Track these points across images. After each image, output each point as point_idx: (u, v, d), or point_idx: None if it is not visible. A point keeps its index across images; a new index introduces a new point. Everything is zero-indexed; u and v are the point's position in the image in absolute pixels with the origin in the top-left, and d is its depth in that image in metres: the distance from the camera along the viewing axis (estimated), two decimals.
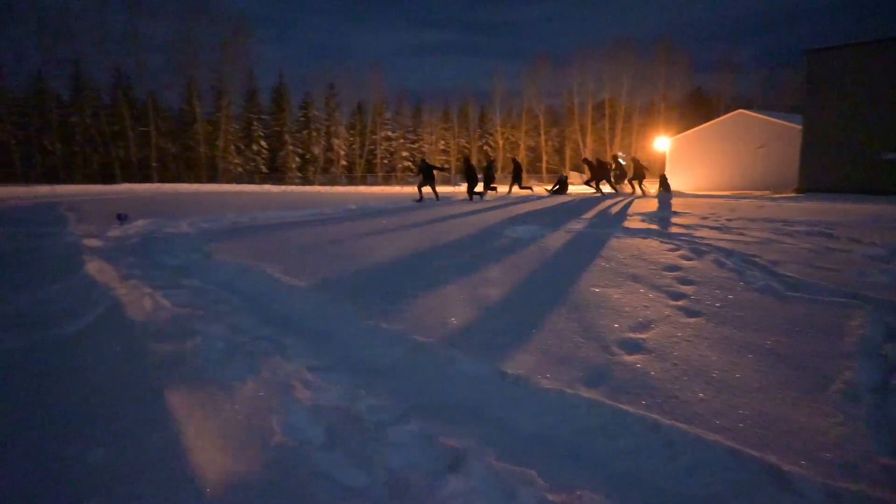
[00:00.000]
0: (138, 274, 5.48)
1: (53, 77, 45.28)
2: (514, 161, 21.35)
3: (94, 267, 5.42)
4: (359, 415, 2.29)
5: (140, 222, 9.97)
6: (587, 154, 52.32)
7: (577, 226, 8.48)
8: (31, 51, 43.65)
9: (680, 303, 3.91)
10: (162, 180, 44.48)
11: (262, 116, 55.73)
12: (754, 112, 32.52)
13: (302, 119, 57.72)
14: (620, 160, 22.38)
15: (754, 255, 5.32)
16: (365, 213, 13.03)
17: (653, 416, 2.18)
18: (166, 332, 3.31)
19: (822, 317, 3.48)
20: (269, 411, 2.29)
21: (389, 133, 61.89)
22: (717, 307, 3.75)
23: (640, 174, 21.84)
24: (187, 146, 50.35)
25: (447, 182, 48.90)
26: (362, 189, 38.33)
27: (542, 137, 61.91)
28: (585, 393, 2.42)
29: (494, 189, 19.20)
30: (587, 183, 21.24)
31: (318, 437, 2.15)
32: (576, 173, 63.09)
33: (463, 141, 64.81)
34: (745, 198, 18.58)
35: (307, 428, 2.20)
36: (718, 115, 35.27)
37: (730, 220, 8.85)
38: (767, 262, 5.01)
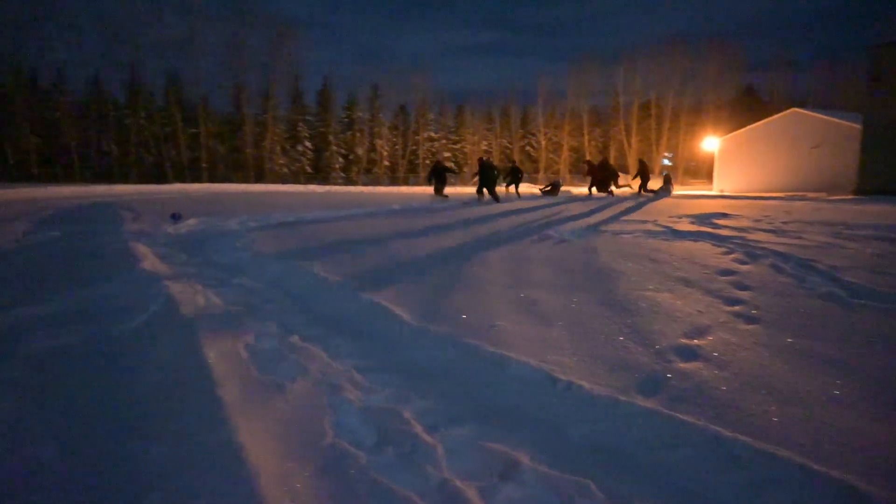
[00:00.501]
0: (191, 271, 5.62)
1: (111, 81, 47.20)
2: (513, 165, 21.25)
3: (148, 264, 5.58)
4: (409, 417, 2.27)
5: (191, 221, 10.25)
6: (636, 154, 51.39)
7: (622, 227, 8.32)
8: (92, 56, 45.61)
9: (736, 309, 3.77)
10: (211, 180, 45.75)
11: (308, 118, 56.73)
12: (809, 111, 31.33)
13: (346, 120, 58.51)
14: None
15: (814, 260, 5.11)
16: (407, 214, 13.10)
17: (714, 427, 2.09)
18: (219, 330, 3.36)
19: (894, 327, 3.29)
20: (320, 411, 2.29)
21: (432, 134, 62.16)
22: (778, 314, 3.60)
23: (644, 176, 21.51)
24: (235, 147, 51.68)
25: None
26: (405, 189, 38.58)
27: (586, 138, 61.08)
28: (641, 401, 2.34)
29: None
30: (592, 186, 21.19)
31: (369, 439, 2.14)
32: (620, 174, 62.22)
33: (505, 142, 64.57)
34: (798, 199, 17.92)
35: (358, 429, 2.20)
36: (770, 115, 34.07)
37: (785, 222, 8.55)
38: (829, 268, 4.79)
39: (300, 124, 55.41)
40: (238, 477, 1.72)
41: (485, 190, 17.45)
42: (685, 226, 8.22)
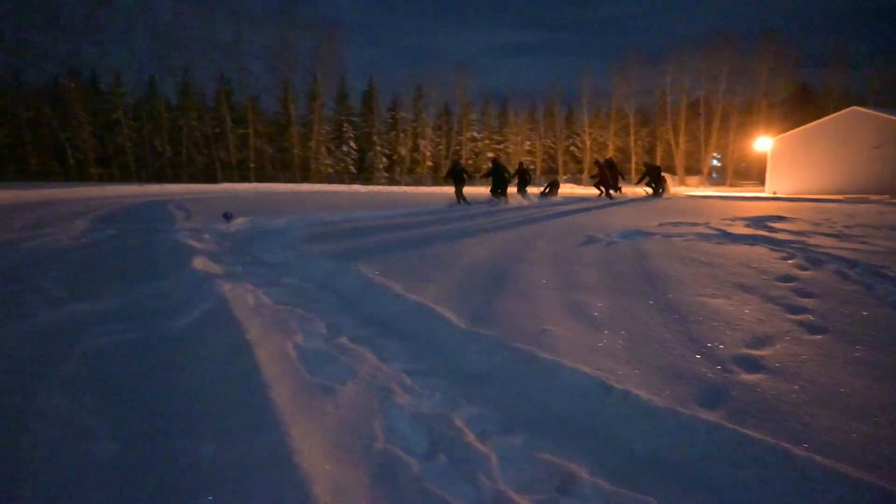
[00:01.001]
0: (240, 271, 5.70)
1: (165, 83, 48.82)
2: (521, 167, 20.28)
3: (200, 263, 5.69)
4: (460, 424, 2.22)
5: (240, 220, 10.46)
6: (683, 154, 50.14)
7: (672, 229, 8.09)
8: (147, 59, 47.29)
9: (800, 317, 3.59)
10: (258, 180, 46.78)
11: (352, 118, 57.41)
12: (869, 109, 29.92)
13: (390, 120, 58.97)
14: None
15: (884, 267, 4.84)
16: (451, 214, 13.07)
17: (784, 444, 1.97)
18: (269, 330, 3.39)
19: None
20: (371, 415, 2.26)
21: (475, 134, 62.06)
22: (846, 324, 3.41)
23: (653, 177, 21.01)
24: (282, 147, 52.76)
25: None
26: (447, 189, 38.62)
27: (632, 137, 59.94)
28: (703, 414, 2.23)
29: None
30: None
31: (420, 446, 2.10)
32: (666, 174, 60.81)
33: (549, 142, 63.94)
34: (860, 202, 17.15)
35: (409, 435, 2.16)
36: (827, 113, 32.72)
37: (848, 226, 8.16)
38: None
39: (345, 125, 56.11)
40: (291, 481, 1.70)
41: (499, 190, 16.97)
42: (739, 229, 7.92)
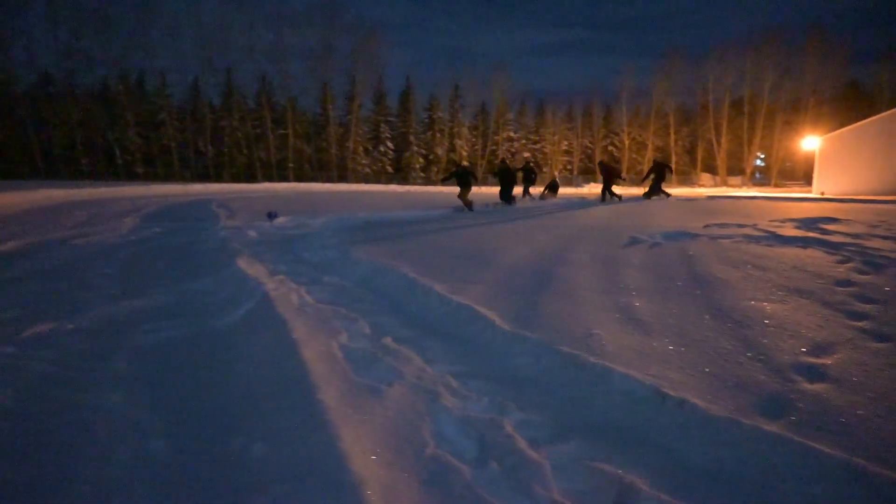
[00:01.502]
0: (283, 269, 5.76)
1: (208, 85, 50.01)
2: (527, 166, 19.48)
3: (243, 261, 5.77)
4: (510, 430, 2.17)
5: (281, 219, 10.60)
6: (725, 154, 48.87)
7: (718, 231, 7.85)
8: (191, 61, 48.55)
9: (862, 324, 3.42)
10: (297, 180, 47.48)
11: (390, 119, 57.73)
12: None
13: (427, 120, 59.10)
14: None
15: None
16: (487, 214, 13.00)
17: (857, 460, 1.86)
18: (313, 329, 3.39)
19: None
20: (420, 419, 2.23)
21: (511, 134, 61.72)
22: None
23: (660, 176, 19.48)
24: (320, 147, 53.43)
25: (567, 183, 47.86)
26: (484, 189, 38.50)
27: (672, 137, 58.75)
28: (766, 425, 2.13)
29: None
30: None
31: (469, 451, 2.05)
32: (707, 174, 59.51)
33: (587, 141, 63.17)
34: None
35: (458, 440, 2.12)
36: (879, 111, 31.39)
37: None
38: None
39: (382, 125, 56.48)
40: (343, 485, 1.68)
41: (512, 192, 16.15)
42: (790, 231, 7.64)
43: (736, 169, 57.84)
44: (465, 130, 59.55)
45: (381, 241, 7.45)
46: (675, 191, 41.31)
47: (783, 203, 17.10)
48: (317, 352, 2.93)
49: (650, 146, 59.46)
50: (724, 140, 56.11)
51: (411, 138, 56.87)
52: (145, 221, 11.51)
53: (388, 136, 56.82)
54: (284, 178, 48.18)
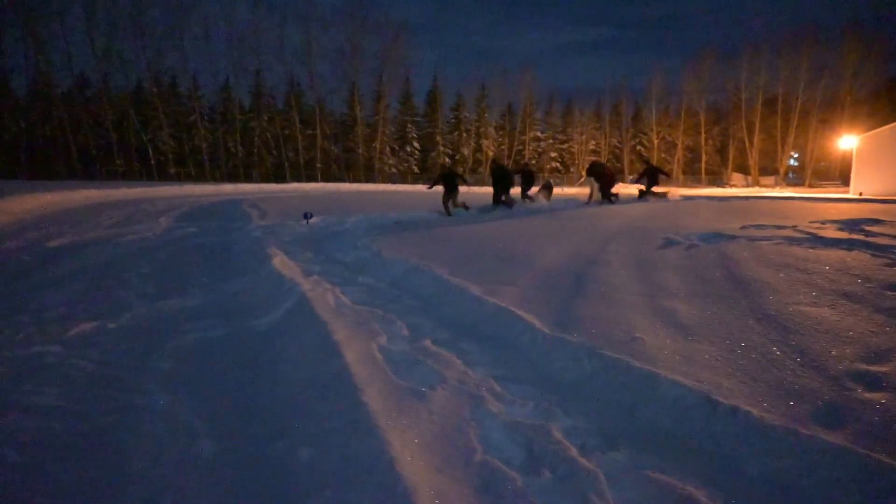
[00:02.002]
0: (317, 269, 5.79)
1: (238, 86, 50.81)
2: (525, 168, 18.29)
3: (278, 261, 5.81)
4: (559, 436, 2.12)
5: (313, 220, 10.67)
6: (757, 154, 47.81)
7: (756, 232, 7.68)
8: (222, 63, 49.39)
9: None
10: (324, 180, 47.91)
11: (416, 119, 57.92)
12: None
13: (453, 120, 59.13)
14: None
15: None
16: (516, 214, 12.93)
17: None
18: (351, 330, 3.39)
19: None
20: (465, 424, 2.20)
21: (538, 133, 61.43)
22: None
23: (653, 178, 18.97)
24: (348, 148, 53.84)
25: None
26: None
27: (703, 136, 57.77)
28: (826, 435, 2.05)
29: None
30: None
31: (518, 457, 2.02)
32: (739, 174, 58.35)
33: (615, 141, 62.50)
34: None
35: (506, 446, 2.08)
36: None
37: None
38: None
39: (409, 125, 56.69)
40: (395, 491, 1.66)
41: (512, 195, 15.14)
42: (832, 232, 7.43)
43: (769, 169, 56.64)
44: (491, 130, 59.41)
45: (412, 241, 7.44)
46: (706, 191, 40.64)
47: (820, 204, 16.68)
48: (357, 353, 2.92)
49: (680, 146, 58.60)
50: (756, 139, 54.94)
51: (438, 138, 56.96)
52: (180, 221, 11.71)
53: (415, 136, 57.00)
54: (313, 179, 48.66)
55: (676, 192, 24.05)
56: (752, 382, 2.59)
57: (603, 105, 62.82)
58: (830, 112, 51.30)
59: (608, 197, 16.92)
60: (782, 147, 54.54)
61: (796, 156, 57.38)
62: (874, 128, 32.28)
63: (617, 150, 62.58)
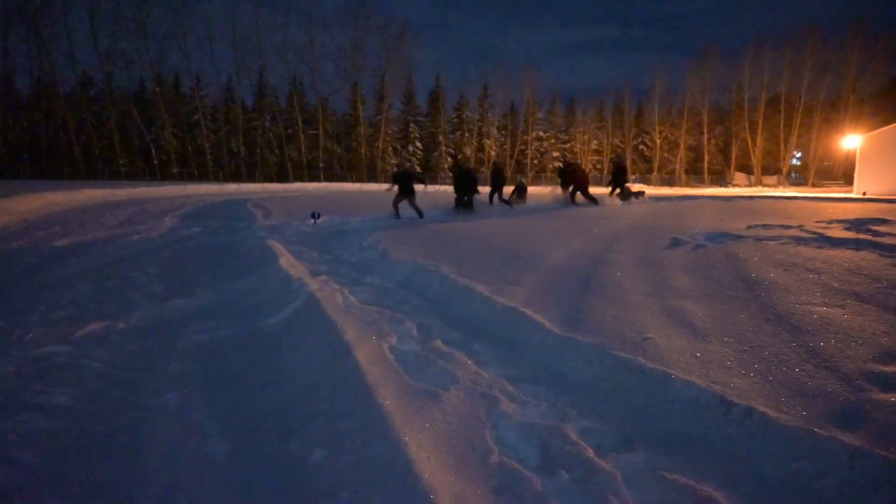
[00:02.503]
0: (324, 269, 5.79)
1: (241, 86, 50.88)
2: (496, 168, 16.91)
3: (285, 261, 5.80)
4: (574, 437, 2.11)
5: (320, 219, 10.67)
6: (760, 153, 47.67)
7: (763, 232, 7.66)
8: (225, 63, 49.45)
9: None
10: (328, 180, 47.91)
11: (419, 118, 57.88)
12: None
13: (455, 120, 59.07)
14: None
15: None
16: (520, 213, 12.93)
17: None
18: (361, 331, 3.38)
19: None
20: (480, 424, 2.19)
21: (541, 133, 61.32)
22: None
23: (621, 180, 17.81)
24: (350, 147, 53.84)
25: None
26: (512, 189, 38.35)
27: (706, 136, 57.65)
28: (843, 436, 2.04)
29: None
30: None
31: (534, 458, 2.01)
32: (742, 174, 58.23)
33: (617, 140, 62.39)
34: None
35: (521, 447, 2.07)
36: None
37: None
38: None
39: (411, 125, 56.66)
40: (413, 493, 1.65)
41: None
42: (839, 232, 7.41)
43: (772, 168, 56.53)
44: (493, 130, 59.34)
45: (417, 240, 7.43)
46: (709, 191, 40.57)
47: (825, 203, 16.65)
48: (368, 354, 2.91)
49: (682, 145, 58.49)
50: (759, 138, 54.83)
51: (440, 138, 56.91)
52: (184, 221, 11.72)
53: (417, 135, 56.97)
54: (315, 178, 48.65)
55: (643, 188, 23.29)
56: (766, 383, 2.58)
57: (605, 104, 62.72)
58: (834, 111, 51.18)
59: (588, 197, 16.09)
60: (785, 146, 54.43)
61: (799, 155, 57.25)
62: (878, 127, 32.19)
63: (619, 150, 62.45)
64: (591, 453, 2.00)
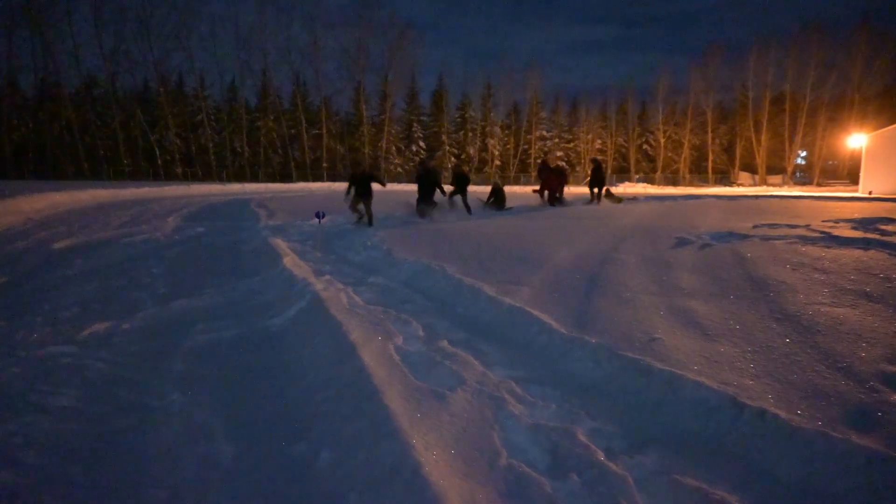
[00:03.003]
0: (328, 269, 5.76)
1: (245, 86, 50.92)
2: (458, 170, 15.21)
3: (289, 261, 5.79)
4: (584, 439, 2.08)
5: (325, 219, 10.63)
6: (765, 152, 47.42)
7: (769, 231, 7.61)
8: (229, 63, 49.51)
9: None
10: (331, 179, 47.92)
11: (422, 118, 57.84)
12: None
13: (459, 120, 59.01)
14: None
15: None
16: (524, 213, 12.88)
17: None
18: (367, 331, 3.35)
19: None
20: (488, 426, 2.16)
21: (544, 132, 61.20)
22: None
23: (599, 180, 16.72)
24: (353, 147, 53.82)
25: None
26: (516, 189, 38.26)
27: (710, 135, 57.42)
28: (858, 439, 2.00)
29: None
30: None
31: (543, 461, 1.98)
32: (746, 173, 57.99)
33: (621, 140, 62.24)
34: None
35: (530, 449, 2.05)
36: None
37: None
38: None
39: (415, 124, 56.62)
40: (423, 497, 1.62)
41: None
42: (846, 231, 7.36)
43: (776, 167, 56.29)
44: (497, 129, 59.25)
45: (421, 239, 7.40)
46: (713, 190, 40.43)
47: (830, 203, 16.56)
48: (374, 354, 2.89)
49: (687, 145, 58.25)
50: (764, 138, 54.59)
51: (443, 137, 56.84)
52: (188, 221, 11.71)
53: (421, 135, 56.92)
54: (319, 178, 48.66)
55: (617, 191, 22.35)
56: (778, 384, 2.54)
57: (609, 104, 62.51)
58: (839, 110, 50.90)
59: (552, 199, 15.41)
60: (790, 146, 54.17)
61: (804, 154, 56.97)
62: (883, 126, 32.03)
63: (623, 150, 62.30)
64: (601, 456, 1.97)
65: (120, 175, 44.18)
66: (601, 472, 1.87)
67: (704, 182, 57.08)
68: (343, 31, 51.70)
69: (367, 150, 52.08)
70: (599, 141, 62.07)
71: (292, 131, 51.68)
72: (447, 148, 56.60)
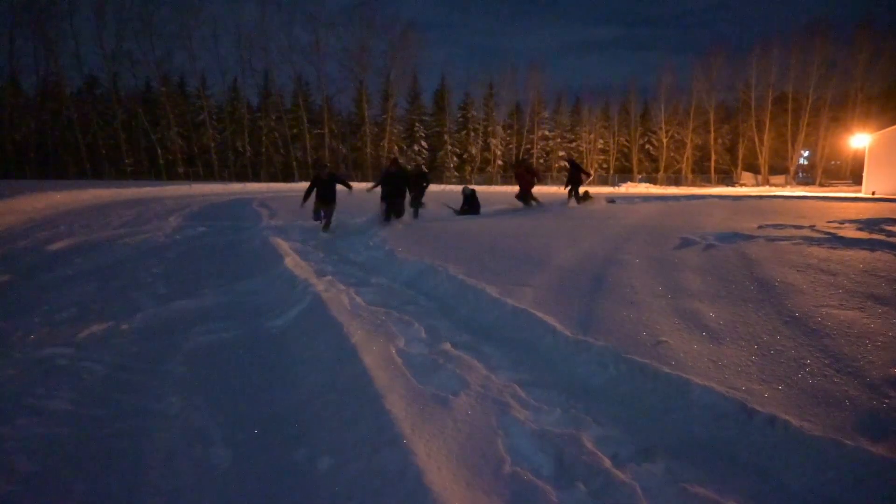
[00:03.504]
0: (329, 269, 5.72)
1: (246, 86, 50.94)
2: (418, 170, 14.54)
3: (290, 261, 5.75)
4: (590, 446, 2.03)
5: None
6: (768, 152, 47.34)
7: (773, 232, 7.55)
8: (230, 63, 49.54)
9: None
10: None
11: (424, 118, 57.77)
12: None
13: (461, 119, 58.93)
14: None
15: None
16: (525, 213, 12.83)
17: None
18: (368, 333, 3.31)
19: None
20: (492, 432, 2.11)
21: (546, 132, 61.10)
22: None
23: (576, 179, 15.85)
24: (355, 147, 53.81)
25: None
26: (518, 188, 38.22)
27: (712, 135, 57.27)
28: (870, 446, 1.95)
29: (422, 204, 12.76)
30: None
31: (548, 468, 1.93)
32: (749, 173, 57.85)
33: (623, 139, 62.13)
34: None
35: (535, 456, 2.00)
36: None
37: None
38: None
39: (417, 124, 56.56)
40: None
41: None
42: (852, 232, 7.29)
43: (779, 167, 56.15)
44: (499, 129, 59.16)
45: (423, 239, 7.36)
46: (716, 190, 40.34)
47: (834, 203, 16.48)
48: (376, 357, 2.84)
49: (689, 144, 58.12)
50: (766, 137, 54.43)
51: (445, 137, 56.77)
52: (189, 220, 11.68)
53: (423, 135, 56.87)
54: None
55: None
56: (787, 389, 2.49)
57: (612, 103, 62.37)
58: (842, 110, 50.75)
59: (526, 197, 14.85)
60: (793, 145, 54.03)
61: (807, 154, 56.83)
62: (886, 126, 31.92)
63: (625, 150, 62.19)
64: (608, 463, 1.92)
65: (122, 174, 44.20)
66: (608, 481, 1.82)
67: (707, 182, 56.95)
68: (345, 30, 51.58)
69: (368, 150, 52.04)
70: (602, 141, 61.96)
71: (294, 131, 51.67)
72: (449, 148, 56.53)
